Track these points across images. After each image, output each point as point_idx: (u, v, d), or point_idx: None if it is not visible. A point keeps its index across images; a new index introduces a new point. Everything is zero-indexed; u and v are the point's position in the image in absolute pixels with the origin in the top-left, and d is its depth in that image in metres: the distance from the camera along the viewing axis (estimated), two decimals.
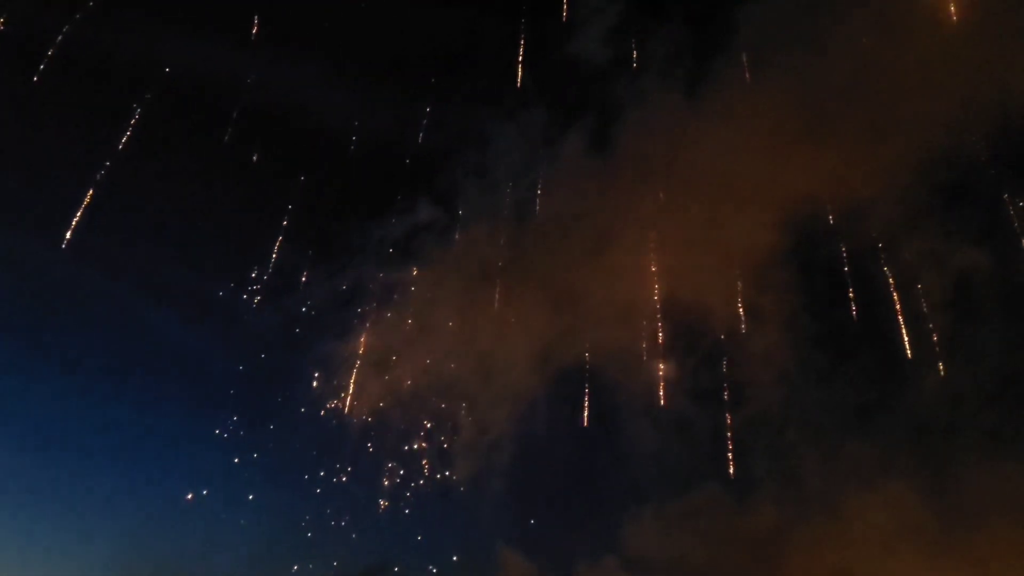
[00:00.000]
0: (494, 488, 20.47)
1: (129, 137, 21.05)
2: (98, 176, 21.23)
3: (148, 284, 22.64)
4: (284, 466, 21.31)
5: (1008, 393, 17.48)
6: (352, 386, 21.17)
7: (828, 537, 17.80)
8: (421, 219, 21.27)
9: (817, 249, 18.73)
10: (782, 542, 18.17)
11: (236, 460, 20.54)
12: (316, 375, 21.23)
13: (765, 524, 18.52)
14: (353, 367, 21.24)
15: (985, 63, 16.12)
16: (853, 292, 18.42)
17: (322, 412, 21.01)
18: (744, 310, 19.07)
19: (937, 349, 17.64)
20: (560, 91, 20.89)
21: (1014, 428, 17.43)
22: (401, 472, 20.60)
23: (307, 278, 21.54)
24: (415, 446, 20.84)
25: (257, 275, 21.48)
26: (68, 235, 20.55)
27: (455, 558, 20.54)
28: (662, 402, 19.61)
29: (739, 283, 19.02)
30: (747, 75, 18.09)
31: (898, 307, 17.76)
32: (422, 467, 20.63)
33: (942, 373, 17.67)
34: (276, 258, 21.41)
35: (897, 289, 17.82)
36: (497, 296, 20.77)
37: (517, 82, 20.68)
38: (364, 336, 21.51)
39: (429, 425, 20.99)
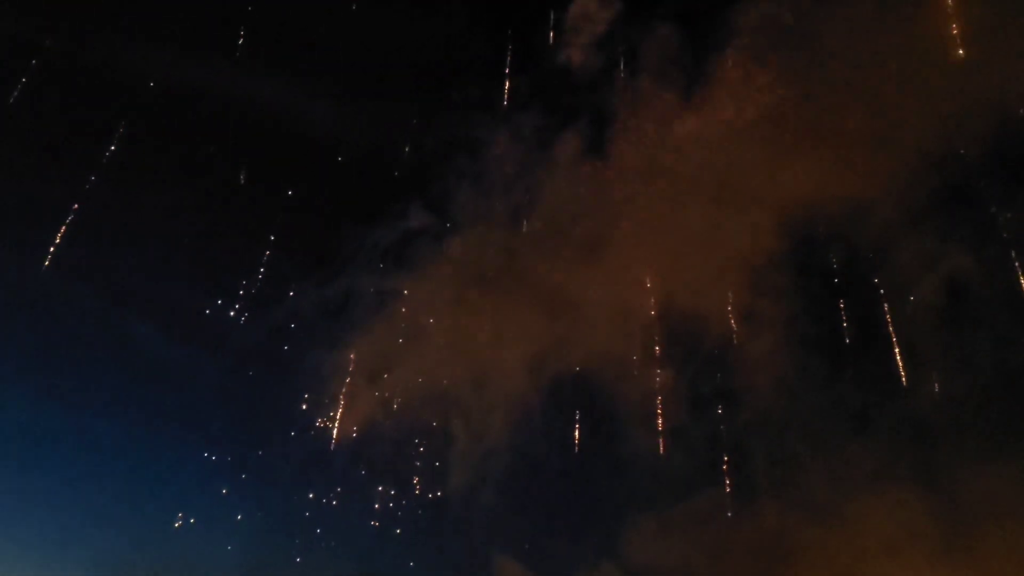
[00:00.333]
0: (489, 498, 20.30)
1: (113, 150, 21.11)
2: (82, 190, 21.09)
3: (133, 299, 22.38)
4: (273, 485, 21.15)
5: (1010, 395, 17.43)
6: (343, 399, 21.08)
7: (831, 543, 17.65)
8: (412, 226, 21.05)
9: (816, 253, 18.70)
10: (784, 548, 18.02)
11: (224, 489, 20.60)
12: (305, 388, 21.16)
13: (766, 530, 18.35)
14: (344, 379, 21.12)
15: (987, 64, 16.07)
16: (853, 296, 18.44)
17: (312, 427, 20.83)
18: (742, 315, 19.01)
19: (938, 352, 17.66)
20: (553, 96, 20.75)
21: (1017, 430, 17.37)
22: (393, 489, 20.52)
23: (296, 289, 21.45)
24: (408, 459, 20.79)
25: (245, 288, 21.31)
26: (51, 250, 20.69)
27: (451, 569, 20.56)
28: (660, 409, 19.51)
29: (737, 288, 18.95)
30: (743, 77, 18.06)
31: (899, 311, 17.78)
32: (415, 481, 20.52)
33: (944, 376, 17.67)
34: (264, 270, 21.32)
35: (897, 292, 17.79)
36: (491, 304, 20.63)
37: (510, 87, 20.84)
38: (355, 347, 21.34)
39: (422, 437, 20.91)
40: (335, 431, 20.55)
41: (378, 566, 20.63)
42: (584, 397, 20.20)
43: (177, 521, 19.98)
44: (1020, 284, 17.02)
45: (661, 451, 19.22)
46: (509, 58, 20.85)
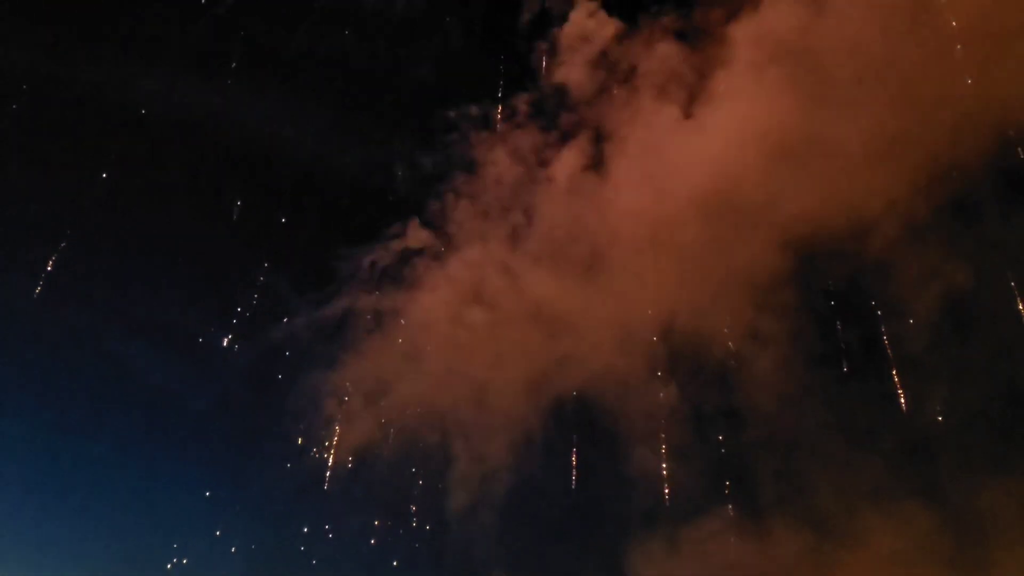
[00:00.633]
0: (490, 523, 19.90)
1: (106, 176, 20.74)
2: (75, 214, 20.97)
3: (125, 323, 21.88)
4: (268, 514, 20.66)
5: (1018, 410, 17.27)
6: (339, 424, 20.69)
7: (840, 560, 17.36)
8: (410, 246, 20.91)
9: (819, 269, 18.58)
10: (793, 568, 17.70)
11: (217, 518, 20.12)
12: (301, 412, 20.79)
13: (774, 549, 18.02)
14: (341, 403, 20.76)
15: (989, 77, 16.12)
16: (857, 312, 18.30)
17: (308, 453, 20.40)
18: (746, 333, 18.81)
19: (946, 368, 17.52)
20: (551, 114, 20.77)
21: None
22: (392, 516, 20.11)
23: (292, 311, 21.20)
24: (406, 485, 20.42)
25: (240, 311, 20.95)
26: (45, 273, 20.39)
27: None
28: (664, 428, 19.24)
29: (739, 306, 18.76)
30: (742, 94, 18.04)
31: (903, 327, 17.65)
32: (413, 508, 20.16)
33: (951, 391, 17.49)
34: (259, 292, 21.00)
35: (902, 308, 17.68)
36: (490, 325, 20.41)
37: (507, 106, 20.90)
38: (352, 369, 21.02)
39: (421, 462, 20.55)
40: (331, 458, 20.23)
41: None
42: (585, 418, 19.97)
43: (170, 561, 19.53)
44: None
45: (664, 472, 19.01)
46: (506, 77, 21.02)
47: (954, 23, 16.44)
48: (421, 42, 21.82)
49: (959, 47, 16.40)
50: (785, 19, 17.73)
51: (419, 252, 20.87)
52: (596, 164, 20.03)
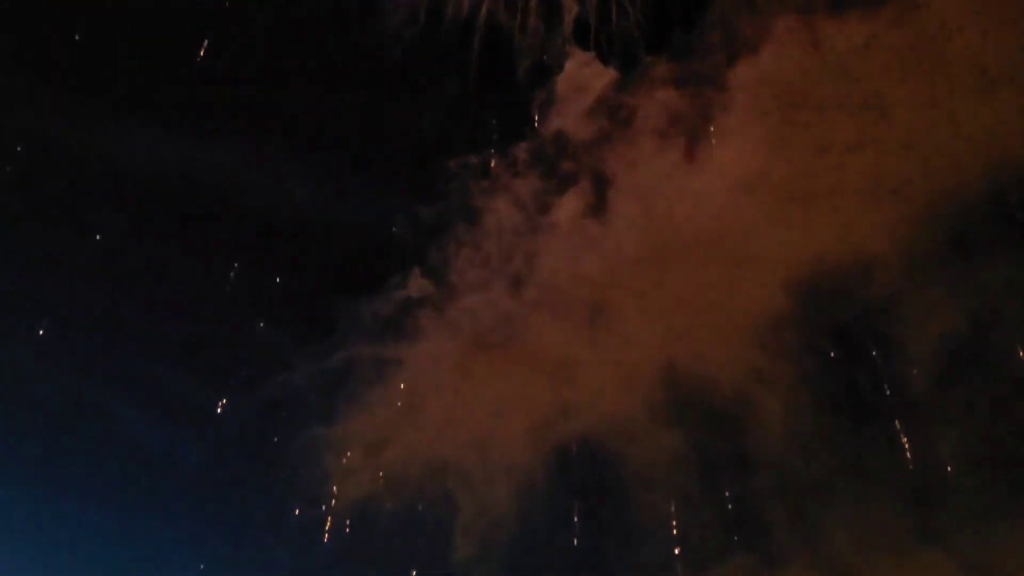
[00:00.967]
0: (495, 573, 19.48)
1: (99, 234, 21.09)
2: (69, 273, 21.24)
3: (118, 382, 21.70)
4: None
5: None
6: (340, 477, 20.33)
7: None
8: (412, 295, 20.72)
9: (824, 310, 18.48)
10: None
11: None
12: (299, 469, 20.42)
13: None
14: (341, 457, 20.41)
15: (989, 116, 16.33)
16: (863, 353, 18.24)
17: (306, 511, 19.99)
18: (752, 376, 18.63)
19: (956, 409, 17.42)
20: (551, 161, 20.76)
21: None
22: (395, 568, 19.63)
23: (291, 365, 20.97)
24: (409, 538, 19.96)
25: (238, 368, 21.11)
26: (39, 334, 20.51)
27: None
28: (670, 474, 18.94)
29: (745, 348, 18.64)
30: (743, 135, 18.17)
31: (909, 368, 17.58)
32: (417, 557, 19.68)
33: (960, 434, 17.37)
34: (257, 347, 21.06)
35: (908, 348, 17.61)
36: (493, 372, 20.18)
37: (507, 155, 20.95)
38: (352, 422, 20.68)
39: (424, 514, 20.12)
40: (331, 513, 19.80)
41: None
42: (590, 466, 19.65)
43: None
44: None
45: (672, 519, 18.70)
46: (504, 127, 21.14)
47: (952, 64, 16.72)
48: (419, 93, 21.95)
49: (958, 87, 16.64)
50: (783, 64, 17.98)
51: (421, 302, 20.73)
52: (597, 210, 20.08)
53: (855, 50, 17.54)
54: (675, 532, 18.49)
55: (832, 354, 18.74)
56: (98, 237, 21.17)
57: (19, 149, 21.16)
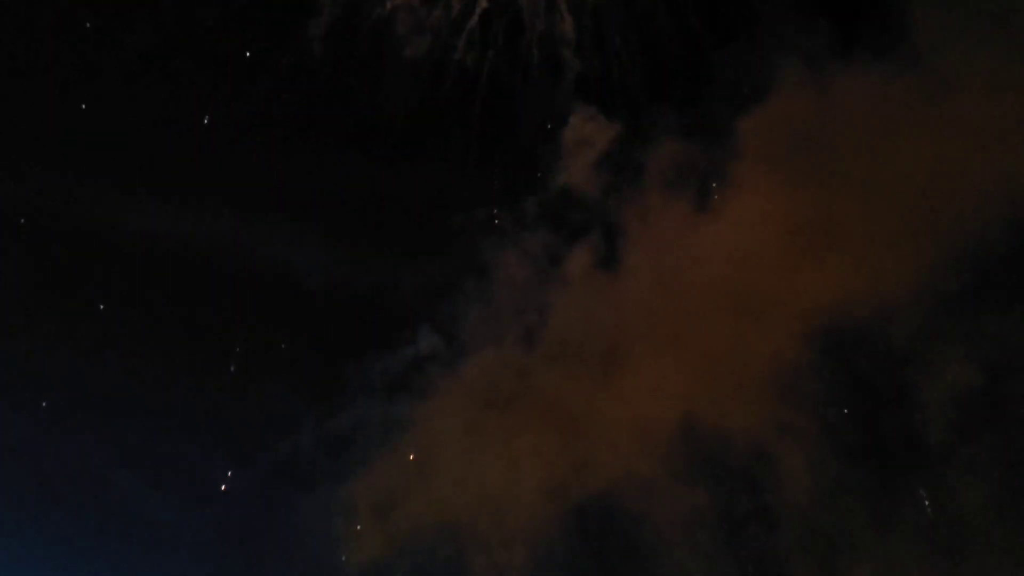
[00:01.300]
0: None
1: (101, 299, 20.94)
2: (69, 340, 20.89)
3: (120, 454, 21.02)
4: None
5: None
6: (349, 542, 19.71)
7: None
8: (422, 352, 20.45)
9: (846, 358, 18.15)
10: None
11: None
12: (308, 535, 19.79)
13: None
14: (352, 520, 19.85)
15: (1007, 157, 16.28)
16: (886, 402, 17.85)
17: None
18: (772, 427, 18.20)
19: (983, 455, 17.01)
20: (560, 214, 20.63)
21: None
22: None
23: (297, 427, 20.58)
24: None
25: (242, 432, 20.78)
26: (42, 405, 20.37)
27: None
28: (691, 531, 18.37)
29: (764, 399, 18.23)
30: (756, 183, 18.06)
31: (936, 414, 17.18)
32: None
33: (988, 479, 16.91)
34: (263, 411, 20.77)
35: (931, 395, 17.24)
36: (506, 429, 19.68)
37: (515, 209, 20.84)
38: (362, 484, 20.18)
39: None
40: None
41: None
42: (608, 524, 19.06)
43: None
44: None
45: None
46: (511, 181, 21.07)
47: (966, 105, 16.72)
48: (423, 152, 21.95)
49: (975, 132, 16.61)
50: (792, 110, 17.94)
51: (430, 358, 20.44)
52: (609, 261, 19.88)
53: (867, 95, 17.55)
54: None
55: (855, 404, 18.38)
56: (100, 306, 21.06)
57: (22, 221, 21.07)
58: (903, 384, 17.80)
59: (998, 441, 17.35)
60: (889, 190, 17.28)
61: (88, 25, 21.01)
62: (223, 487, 20.26)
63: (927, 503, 17.83)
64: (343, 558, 19.65)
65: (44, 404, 20.32)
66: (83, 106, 21.11)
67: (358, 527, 19.72)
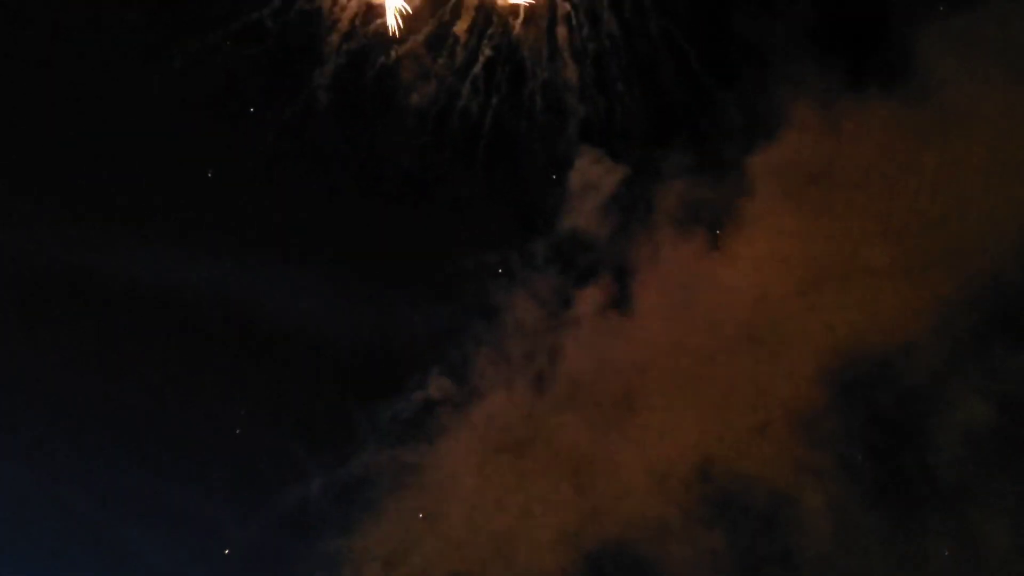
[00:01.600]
0: None
1: (105, 349, 20.64)
2: (69, 392, 20.56)
3: (123, 503, 20.57)
4: None
5: None
6: None
7: None
8: (432, 396, 20.10)
9: (865, 396, 17.90)
10: None
11: None
12: None
13: None
14: (361, 570, 19.43)
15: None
16: (905, 439, 17.56)
17: None
18: (791, 468, 17.87)
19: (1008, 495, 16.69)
20: (570, 255, 20.48)
21: None
22: None
23: (304, 475, 20.17)
24: None
25: (249, 481, 20.34)
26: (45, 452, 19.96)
27: None
28: None
29: (783, 440, 17.92)
30: (767, 222, 17.97)
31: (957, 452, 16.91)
32: None
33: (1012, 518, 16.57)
34: (270, 459, 20.34)
35: (954, 433, 16.98)
36: (518, 473, 19.38)
37: (523, 252, 20.67)
38: (371, 532, 19.72)
39: None
40: None
41: None
42: (625, 571, 18.64)
43: None
44: None
45: None
46: (518, 225, 20.95)
47: (978, 139, 16.74)
48: (429, 196, 21.91)
49: (988, 161, 16.62)
50: (802, 148, 17.92)
51: (441, 402, 20.12)
52: (621, 301, 19.68)
53: (878, 130, 17.58)
54: None
55: (874, 443, 18.08)
56: (107, 354, 20.75)
57: (24, 270, 20.84)
58: (923, 422, 17.55)
59: (1021, 479, 17.11)
60: (903, 226, 17.22)
61: (91, 74, 21.03)
62: (229, 540, 19.81)
63: (948, 543, 17.40)
64: None
65: (46, 452, 20.01)
66: (86, 156, 21.04)
67: None
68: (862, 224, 17.72)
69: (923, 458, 17.75)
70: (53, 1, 20.03)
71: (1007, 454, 17.10)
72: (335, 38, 20.83)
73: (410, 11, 19.95)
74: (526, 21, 20.80)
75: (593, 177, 20.85)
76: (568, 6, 20.78)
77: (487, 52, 21.63)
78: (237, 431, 20.37)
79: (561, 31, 21.07)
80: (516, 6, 20.48)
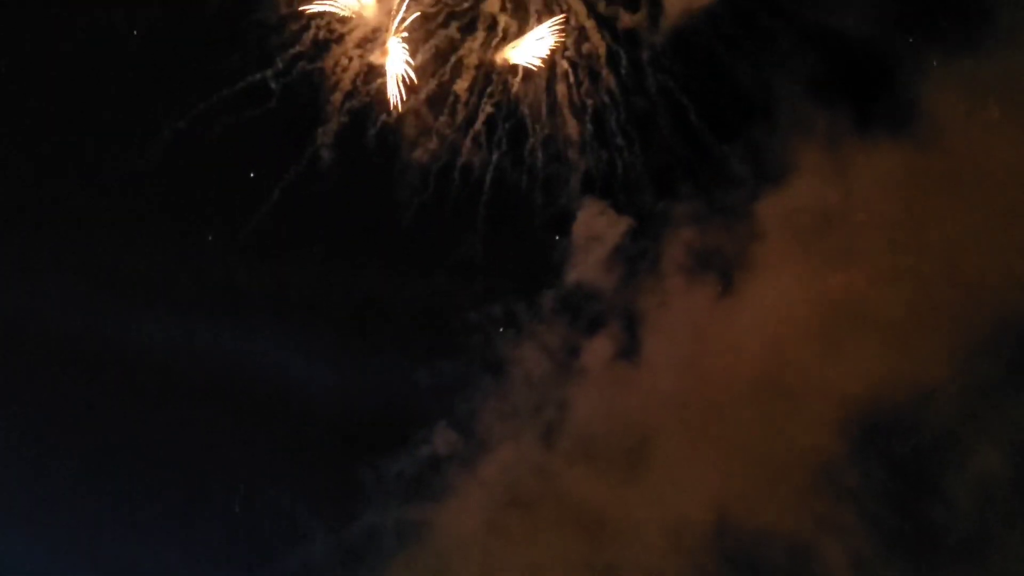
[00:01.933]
0: None
1: (109, 418, 20.28)
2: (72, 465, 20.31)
3: (126, 567, 20.01)
4: None
5: None
6: None
7: None
8: (439, 451, 19.71)
9: (883, 445, 17.51)
10: None
11: None
12: None
13: None
14: None
15: None
16: (925, 489, 17.14)
17: None
18: (809, 522, 17.38)
19: None
20: (578, 306, 20.25)
21: None
22: None
23: (308, 536, 19.71)
24: None
25: (252, 543, 19.90)
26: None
27: None
28: None
29: (800, 492, 17.47)
30: (777, 270, 17.81)
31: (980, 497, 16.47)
32: None
33: None
34: (274, 520, 19.93)
35: (974, 482, 16.57)
36: (529, 529, 18.88)
37: (529, 305, 20.48)
38: None
39: None
40: None
41: None
42: None
43: None
44: None
45: None
46: (524, 278, 20.74)
47: (991, 184, 16.68)
48: (433, 251, 21.81)
49: (1001, 206, 16.53)
50: (812, 194, 17.85)
51: (448, 458, 19.69)
52: (630, 351, 19.42)
53: (887, 175, 17.54)
54: None
55: (892, 494, 17.63)
56: (108, 418, 20.33)
57: (25, 335, 20.53)
58: (942, 472, 17.15)
59: None
60: (916, 272, 17.06)
61: (93, 136, 21.03)
62: None
63: None
64: None
65: (47, 521, 19.59)
66: (89, 222, 20.90)
67: None
68: (875, 270, 17.54)
69: (942, 509, 17.29)
70: (58, 63, 20.10)
71: None
72: (337, 97, 20.93)
73: (412, 74, 20.08)
74: (525, 79, 20.99)
75: (598, 229, 20.80)
76: (566, 63, 21.01)
77: (487, 109, 21.75)
78: (238, 493, 19.98)
79: (560, 88, 21.26)
80: (515, 66, 20.69)
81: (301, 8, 19.59)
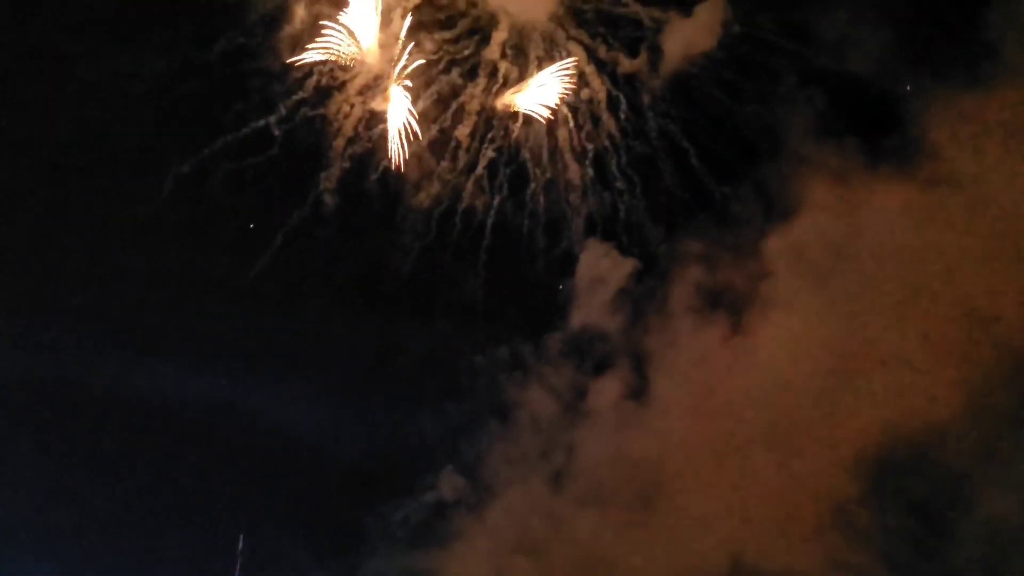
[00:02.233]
0: None
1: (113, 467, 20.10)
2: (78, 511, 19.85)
3: None
4: None
5: None
6: None
7: None
8: (445, 497, 19.38)
9: (897, 484, 17.22)
10: None
11: None
12: None
13: None
14: None
15: None
16: (940, 529, 16.81)
17: None
18: (824, 562, 16.97)
19: None
20: (585, 348, 20.09)
21: None
22: None
23: None
24: None
25: None
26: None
27: None
28: None
29: (814, 532, 17.11)
30: (785, 309, 17.66)
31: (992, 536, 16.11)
32: None
33: None
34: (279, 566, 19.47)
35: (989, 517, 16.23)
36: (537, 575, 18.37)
37: (536, 347, 20.38)
38: None
39: None
40: None
41: None
42: None
43: None
44: None
45: None
46: (530, 320, 20.59)
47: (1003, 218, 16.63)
48: (437, 295, 21.68)
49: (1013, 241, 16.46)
50: (820, 231, 17.78)
51: (454, 503, 19.35)
52: (639, 393, 19.20)
53: (898, 211, 17.48)
54: None
55: (909, 532, 17.27)
56: (115, 465, 20.15)
57: (33, 388, 20.26)
58: (956, 512, 16.82)
59: None
60: (927, 307, 16.93)
61: (98, 193, 20.98)
62: None
63: None
64: None
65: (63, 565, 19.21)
66: (95, 274, 20.76)
67: None
68: (885, 306, 17.39)
69: (955, 549, 16.94)
70: (63, 110, 20.11)
71: None
72: (340, 143, 20.96)
73: (414, 124, 20.12)
74: (526, 124, 21.08)
75: (602, 270, 20.70)
76: (567, 108, 21.13)
77: (489, 154, 21.80)
78: (244, 540, 19.54)
79: (561, 132, 21.35)
80: (516, 112, 20.79)
81: (303, 57, 19.64)
